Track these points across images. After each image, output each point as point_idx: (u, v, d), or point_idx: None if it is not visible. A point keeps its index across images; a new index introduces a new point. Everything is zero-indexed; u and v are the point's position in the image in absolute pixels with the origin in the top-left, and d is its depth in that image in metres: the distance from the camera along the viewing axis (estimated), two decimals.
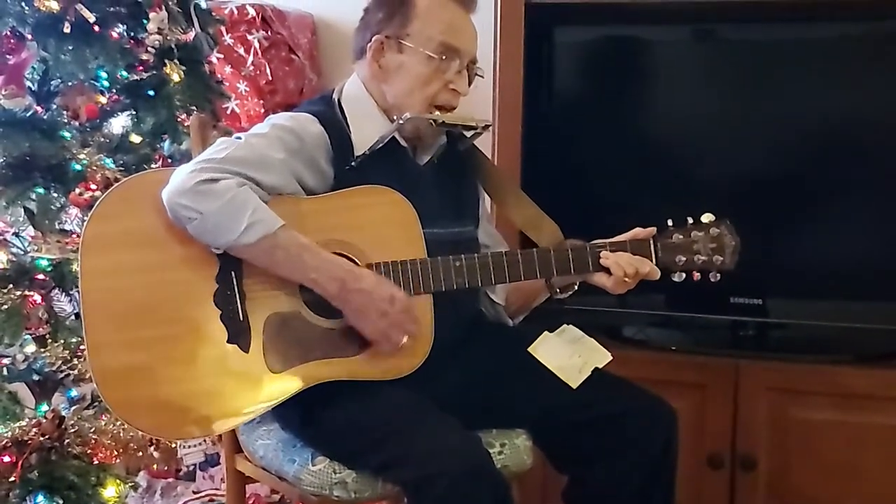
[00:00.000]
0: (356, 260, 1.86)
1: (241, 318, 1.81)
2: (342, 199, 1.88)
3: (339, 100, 1.99)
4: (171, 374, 1.77)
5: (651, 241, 1.96)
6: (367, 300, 1.80)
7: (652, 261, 1.95)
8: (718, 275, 1.97)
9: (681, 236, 1.97)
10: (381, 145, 1.92)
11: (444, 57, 1.94)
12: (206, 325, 1.79)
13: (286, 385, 1.82)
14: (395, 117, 1.94)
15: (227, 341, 1.80)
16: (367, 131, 1.94)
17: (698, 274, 1.97)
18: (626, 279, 1.92)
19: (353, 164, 1.91)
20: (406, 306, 1.82)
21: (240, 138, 1.86)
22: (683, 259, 1.96)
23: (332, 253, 1.83)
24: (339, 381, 1.83)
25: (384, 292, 1.81)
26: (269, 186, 1.82)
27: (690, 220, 1.98)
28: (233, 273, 1.81)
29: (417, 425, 1.78)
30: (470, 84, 2.01)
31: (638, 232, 1.98)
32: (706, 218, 1.98)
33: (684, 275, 1.97)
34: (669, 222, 1.97)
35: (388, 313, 1.81)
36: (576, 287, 2.05)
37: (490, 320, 2.13)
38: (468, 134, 2.04)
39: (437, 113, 1.95)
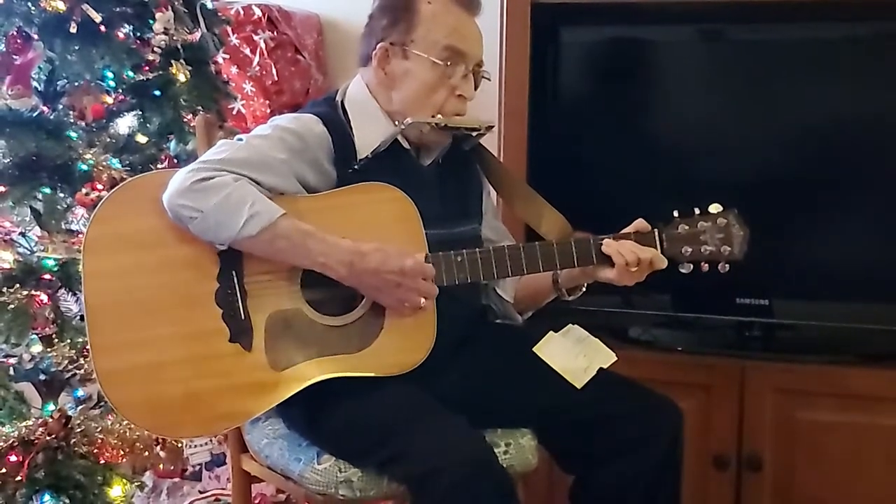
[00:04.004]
0: None
1: (243, 317, 1.81)
2: (342, 196, 1.88)
3: (342, 102, 1.99)
4: (175, 374, 1.78)
5: (656, 233, 1.95)
6: (378, 277, 1.81)
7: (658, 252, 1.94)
8: (727, 266, 1.96)
9: (687, 227, 1.96)
10: (383, 149, 1.93)
11: (449, 62, 1.94)
12: (208, 324, 1.80)
13: (289, 383, 1.82)
14: (397, 121, 1.94)
15: (229, 340, 1.81)
16: (370, 134, 1.94)
17: (706, 265, 1.96)
18: (630, 268, 1.91)
19: (356, 167, 1.91)
20: (417, 271, 1.82)
21: (241, 139, 1.87)
22: (690, 250, 1.95)
23: None
24: (343, 379, 1.84)
25: (393, 265, 1.81)
26: (271, 187, 1.83)
27: (697, 211, 1.97)
28: (234, 272, 1.82)
29: (421, 422, 1.78)
30: (476, 88, 2.01)
31: (640, 223, 1.97)
32: (713, 208, 1.96)
33: (692, 266, 1.96)
34: (675, 213, 1.96)
35: (401, 284, 1.81)
36: (583, 289, 2.05)
37: (495, 319, 2.13)
38: (472, 135, 2.04)
39: (440, 116, 1.95)
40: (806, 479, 2.39)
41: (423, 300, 1.84)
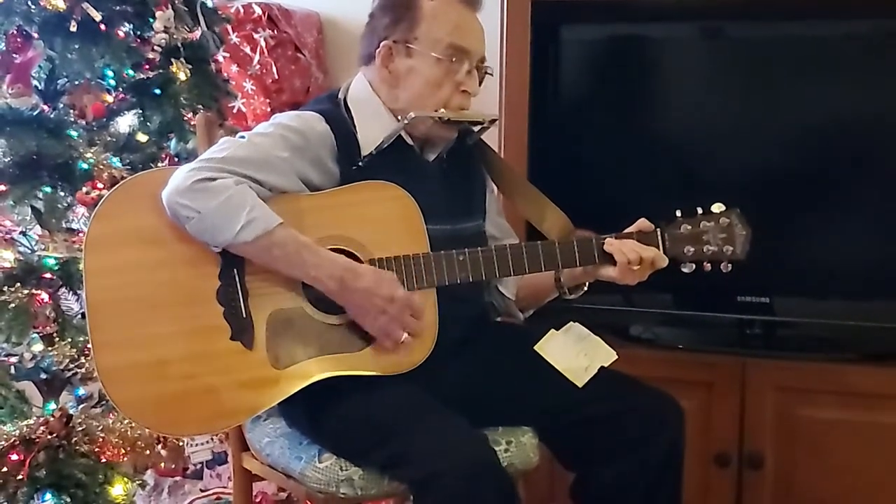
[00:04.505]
0: (357, 255, 1.85)
1: (245, 315, 1.81)
2: (343, 195, 1.88)
3: (345, 99, 1.99)
4: (176, 372, 1.78)
5: (659, 232, 1.95)
6: (367, 298, 1.80)
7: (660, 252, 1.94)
8: (730, 266, 1.95)
9: (689, 226, 1.95)
10: (386, 145, 1.93)
11: (453, 59, 1.94)
12: (209, 322, 1.80)
13: (290, 381, 1.82)
14: (399, 117, 1.94)
15: (231, 338, 1.80)
16: (373, 131, 1.94)
17: (709, 265, 1.95)
18: (632, 266, 1.91)
19: (359, 164, 1.91)
20: (406, 304, 1.82)
21: (243, 137, 1.87)
22: (692, 250, 1.95)
23: (333, 249, 1.83)
24: (344, 378, 1.84)
25: (384, 291, 1.81)
26: (273, 186, 1.83)
27: (700, 210, 1.96)
28: (235, 270, 1.81)
29: (422, 422, 1.78)
30: (480, 83, 2.01)
31: (643, 223, 1.97)
32: (716, 207, 1.96)
33: (694, 266, 1.95)
34: (678, 213, 1.96)
35: (387, 311, 1.81)
36: (585, 287, 2.05)
37: (497, 315, 2.13)
38: (475, 129, 2.04)
39: (443, 110, 1.95)
40: (807, 477, 2.39)
41: (405, 335, 1.83)
